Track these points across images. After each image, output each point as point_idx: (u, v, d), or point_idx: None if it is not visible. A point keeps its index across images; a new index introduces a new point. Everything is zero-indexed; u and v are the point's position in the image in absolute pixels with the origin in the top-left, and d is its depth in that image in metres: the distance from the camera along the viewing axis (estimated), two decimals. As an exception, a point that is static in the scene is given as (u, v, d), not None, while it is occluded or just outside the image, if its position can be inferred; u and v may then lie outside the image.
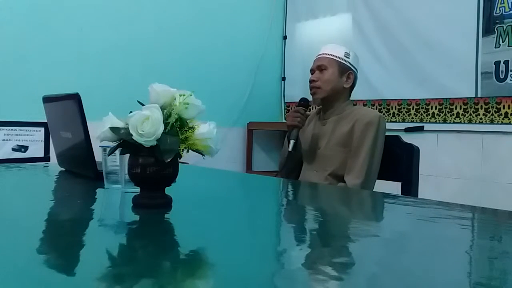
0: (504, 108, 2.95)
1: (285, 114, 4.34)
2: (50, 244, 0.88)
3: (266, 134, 4.32)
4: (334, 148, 2.14)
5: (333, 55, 2.20)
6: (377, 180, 2.11)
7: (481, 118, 3.07)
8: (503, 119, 2.96)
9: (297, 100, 2.30)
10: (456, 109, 3.20)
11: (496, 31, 2.96)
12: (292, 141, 2.17)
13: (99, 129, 1.09)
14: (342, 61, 2.20)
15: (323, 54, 2.23)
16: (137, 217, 1.12)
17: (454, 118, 3.21)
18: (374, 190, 2.07)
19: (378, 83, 3.61)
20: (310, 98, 2.26)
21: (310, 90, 2.22)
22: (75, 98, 1.53)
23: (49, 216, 1.14)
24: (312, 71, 2.23)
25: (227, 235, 0.98)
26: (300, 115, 2.18)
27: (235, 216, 1.20)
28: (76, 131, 1.58)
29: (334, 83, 2.18)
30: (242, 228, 1.09)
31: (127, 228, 1.03)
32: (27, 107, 3.16)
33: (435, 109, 3.31)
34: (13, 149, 3.30)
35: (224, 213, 1.21)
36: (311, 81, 2.21)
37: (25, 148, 3.33)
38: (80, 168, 1.71)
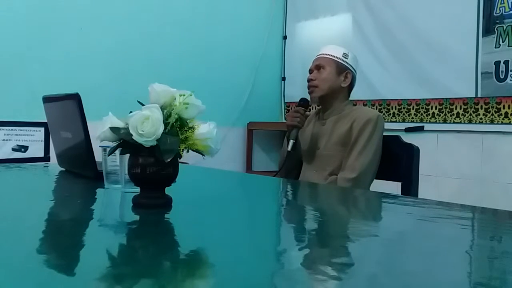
0: (504, 108, 2.95)
1: (285, 114, 4.34)
2: (50, 244, 0.88)
3: (266, 134, 4.31)
4: (333, 148, 2.14)
5: (331, 55, 2.21)
6: (378, 180, 2.11)
7: (481, 118, 3.07)
8: (503, 119, 2.96)
9: (297, 100, 2.30)
10: (456, 109, 3.20)
11: (496, 31, 2.96)
12: (291, 141, 2.17)
13: (99, 129, 1.09)
14: (340, 61, 2.20)
15: (322, 54, 2.25)
16: (137, 217, 1.11)
17: (454, 118, 3.21)
18: (374, 190, 2.06)
19: (378, 83, 3.61)
20: (309, 98, 2.26)
21: (308, 89, 2.23)
22: (75, 98, 1.53)
23: (49, 216, 1.14)
24: (311, 71, 2.24)
25: (227, 235, 0.98)
26: (300, 115, 2.19)
27: (235, 216, 1.20)
28: (76, 131, 1.58)
29: (331, 82, 2.18)
30: (242, 228, 1.09)
31: (127, 228, 1.03)
32: (27, 107, 3.16)
33: (435, 109, 3.31)
34: (13, 149, 3.30)
35: (224, 213, 1.21)
36: (308, 80, 2.22)
37: (25, 148, 3.33)
38: (80, 168, 1.71)
